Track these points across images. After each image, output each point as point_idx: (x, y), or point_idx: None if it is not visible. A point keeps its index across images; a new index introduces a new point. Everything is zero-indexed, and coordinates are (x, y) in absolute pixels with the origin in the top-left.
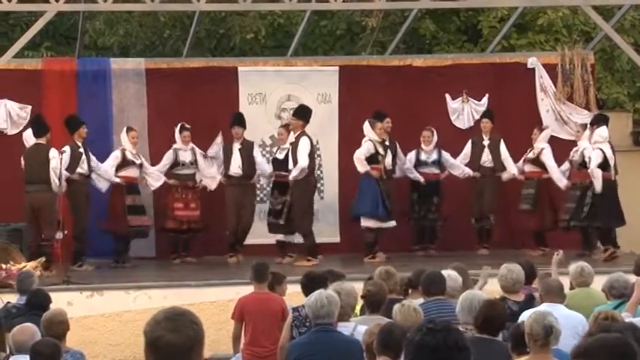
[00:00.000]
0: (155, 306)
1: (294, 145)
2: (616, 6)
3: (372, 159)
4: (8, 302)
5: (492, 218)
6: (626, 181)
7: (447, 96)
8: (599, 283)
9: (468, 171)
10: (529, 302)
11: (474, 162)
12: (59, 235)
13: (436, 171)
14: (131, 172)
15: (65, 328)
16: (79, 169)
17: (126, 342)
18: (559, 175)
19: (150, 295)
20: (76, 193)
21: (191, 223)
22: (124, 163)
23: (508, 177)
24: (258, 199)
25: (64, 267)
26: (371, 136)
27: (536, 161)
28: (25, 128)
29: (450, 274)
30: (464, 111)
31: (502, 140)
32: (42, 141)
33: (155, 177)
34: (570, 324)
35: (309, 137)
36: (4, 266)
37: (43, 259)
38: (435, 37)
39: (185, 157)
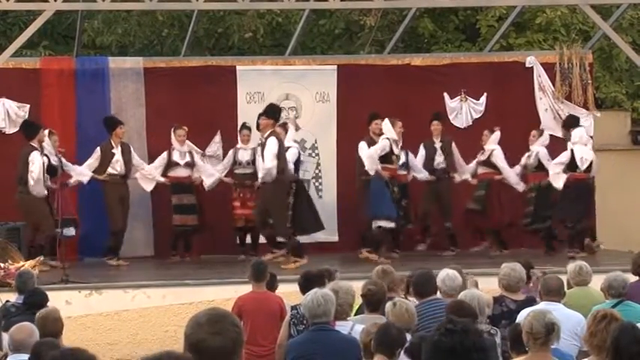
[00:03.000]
0: (154, 305)
1: (262, 145)
2: (614, 5)
3: (386, 158)
4: (7, 301)
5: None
6: (625, 180)
7: (446, 95)
8: (597, 282)
9: (426, 174)
10: (528, 303)
11: (427, 165)
12: (59, 233)
13: (404, 172)
14: (179, 172)
15: (60, 326)
16: (110, 170)
17: (124, 341)
18: (516, 179)
19: (148, 294)
20: (108, 193)
21: (249, 222)
22: (171, 163)
23: (460, 179)
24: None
25: (61, 265)
26: (390, 134)
27: (488, 162)
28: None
29: (449, 274)
30: (462, 110)
31: (453, 142)
32: (33, 142)
33: (208, 174)
34: (569, 324)
35: (277, 138)
36: (2, 265)
37: (42, 258)
38: (433, 36)
39: (244, 156)
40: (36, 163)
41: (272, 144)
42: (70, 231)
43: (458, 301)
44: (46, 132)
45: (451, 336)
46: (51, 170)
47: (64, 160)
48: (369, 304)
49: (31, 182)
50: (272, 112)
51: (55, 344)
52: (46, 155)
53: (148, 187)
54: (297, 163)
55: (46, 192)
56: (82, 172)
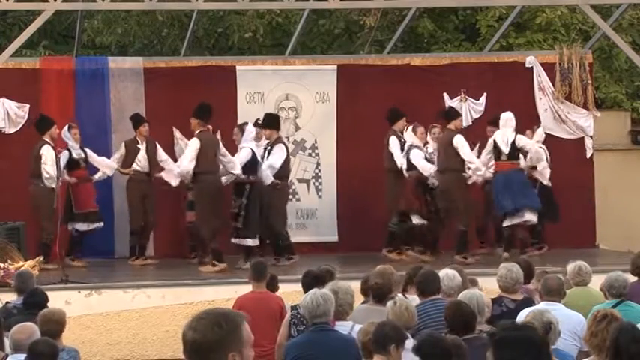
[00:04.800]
0: (153, 305)
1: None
2: (614, 5)
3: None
4: (8, 302)
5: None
6: (624, 180)
7: (446, 95)
8: (597, 282)
9: None
10: (527, 303)
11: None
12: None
13: None
14: None
15: (61, 327)
16: (135, 166)
17: (124, 341)
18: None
19: (148, 294)
20: (131, 190)
21: None
22: None
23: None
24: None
25: (61, 264)
26: (512, 124)
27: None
28: (23, 127)
29: (447, 273)
30: (462, 110)
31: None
32: (46, 137)
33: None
34: (569, 324)
35: (199, 139)
36: (2, 265)
37: (42, 257)
38: (433, 36)
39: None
40: (48, 157)
41: (192, 145)
42: (84, 226)
43: (456, 301)
44: (66, 127)
45: (525, 330)
46: (72, 164)
47: (89, 152)
48: (375, 296)
49: (45, 175)
50: (199, 112)
51: (51, 343)
52: (68, 150)
53: (174, 182)
54: (254, 164)
55: (54, 186)
56: (108, 165)
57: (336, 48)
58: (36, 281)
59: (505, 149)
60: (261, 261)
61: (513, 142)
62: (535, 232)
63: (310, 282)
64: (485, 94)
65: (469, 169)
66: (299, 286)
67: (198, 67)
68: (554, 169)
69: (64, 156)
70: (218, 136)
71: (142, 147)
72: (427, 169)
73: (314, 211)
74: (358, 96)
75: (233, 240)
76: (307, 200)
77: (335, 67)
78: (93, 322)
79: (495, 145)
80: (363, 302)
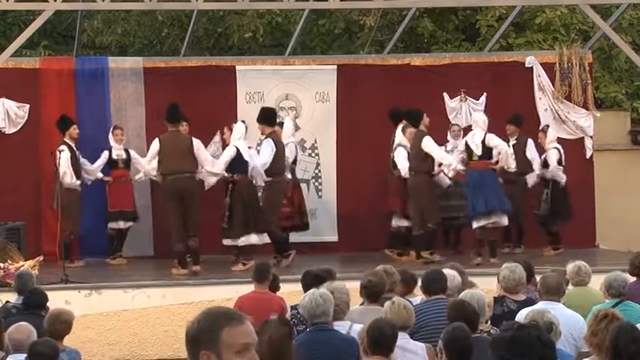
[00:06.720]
0: (153, 305)
1: None
2: (614, 5)
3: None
4: (7, 302)
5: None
6: (624, 180)
7: (445, 95)
8: (597, 282)
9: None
10: (529, 304)
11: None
12: None
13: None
14: None
15: (67, 328)
16: None
17: (124, 341)
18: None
19: (148, 294)
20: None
21: (281, 220)
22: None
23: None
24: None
25: (60, 264)
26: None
27: None
28: (23, 127)
29: (448, 273)
30: (462, 110)
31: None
32: (66, 137)
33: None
34: (569, 324)
35: (159, 140)
36: (2, 265)
37: (41, 257)
38: (433, 36)
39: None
40: (62, 158)
41: (152, 146)
42: (119, 224)
43: (460, 301)
44: (111, 128)
45: (529, 331)
46: (111, 163)
47: (133, 153)
48: (369, 295)
49: (60, 176)
50: (166, 114)
51: (51, 344)
52: (109, 150)
53: (212, 181)
54: (240, 163)
55: (77, 186)
56: (148, 170)
57: (336, 48)
58: (36, 281)
59: (477, 150)
60: (264, 263)
61: (484, 143)
62: (551, 233)
63: (310, 282)
64: (485, 94)
65: (440, 165)
66: (299, 286)
67: (198, 67)
68: None
69: (104, 155)
70: (218, 136)
71: None
72: (405, 167)
73: (314, 211)
74: (358, 96)
75: (223, 241)
76: (307, 200)
77: (335, 67)
78: (93, 322)
79: (467, 147)
80: (362, 304)
